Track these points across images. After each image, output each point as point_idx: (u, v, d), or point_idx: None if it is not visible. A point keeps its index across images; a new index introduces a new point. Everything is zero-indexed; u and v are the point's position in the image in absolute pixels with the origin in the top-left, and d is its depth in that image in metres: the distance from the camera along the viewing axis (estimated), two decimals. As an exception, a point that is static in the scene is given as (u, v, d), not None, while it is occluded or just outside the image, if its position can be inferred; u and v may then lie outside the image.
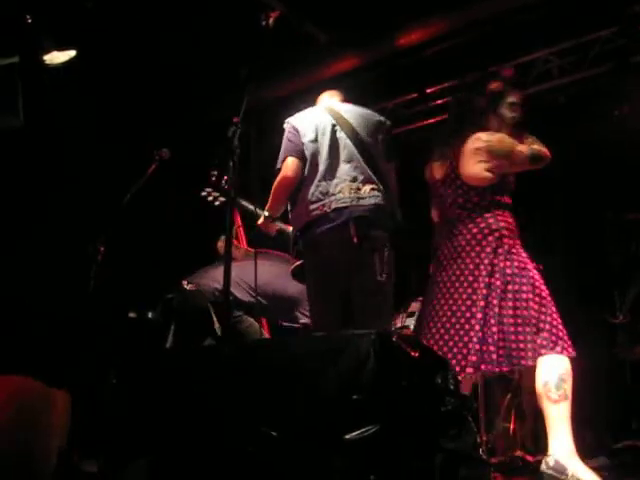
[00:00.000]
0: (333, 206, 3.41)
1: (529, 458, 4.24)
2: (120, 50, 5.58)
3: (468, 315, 3.24)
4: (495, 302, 3.22)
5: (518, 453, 4.40)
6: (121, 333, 4.81)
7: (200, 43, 5.61)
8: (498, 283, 3.25)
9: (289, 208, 3.68)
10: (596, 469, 3.09)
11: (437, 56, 5.90)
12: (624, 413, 4.85)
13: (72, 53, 5.34)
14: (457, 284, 3.31)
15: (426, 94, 6.46)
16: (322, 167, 3.51)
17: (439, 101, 6.45)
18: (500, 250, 3.31)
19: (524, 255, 3.39)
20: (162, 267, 5.77)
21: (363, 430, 1.90)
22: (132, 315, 4.81)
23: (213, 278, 4.46)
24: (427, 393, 2.08)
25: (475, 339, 3.17)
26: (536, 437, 4.51)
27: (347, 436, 1.90)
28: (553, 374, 3.13)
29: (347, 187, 3.44)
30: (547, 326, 3.18)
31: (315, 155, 3.55)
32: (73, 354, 4.21)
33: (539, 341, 3.15)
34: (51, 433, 2.69)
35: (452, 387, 2.14)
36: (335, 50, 5.88)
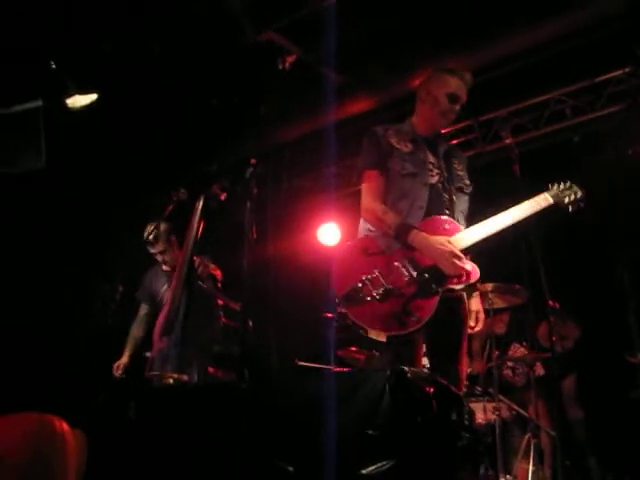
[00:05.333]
0: None
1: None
2: (141, 93, 5.71)
3: None
4: None
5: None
6: (139, 371, 4.84)
7: (219, 86, 5.73)
8: None
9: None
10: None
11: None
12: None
13: (93, 96, 5.50)
14: None
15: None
16: None
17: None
18: None
19: None
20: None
21: (379, 465, 1.90)
22: (148, 355, 4.83)
23: None
24: (442, 428, 2.09)
25: None
26: (555, 478, 4.45)
27: (363, 471, 1.91)
28: None
29: None
30: None
31: None
32: (90, 392, 4.22)
33: None
34: (67, 477, 2.64)
35: (467, 422, 2.14)
36: (349, 92, 5.97)
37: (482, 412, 4.76)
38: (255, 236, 2.99)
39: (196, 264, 4.43)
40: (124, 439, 2.66)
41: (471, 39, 5.52)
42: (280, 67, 3.36)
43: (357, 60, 5.57)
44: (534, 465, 4.52)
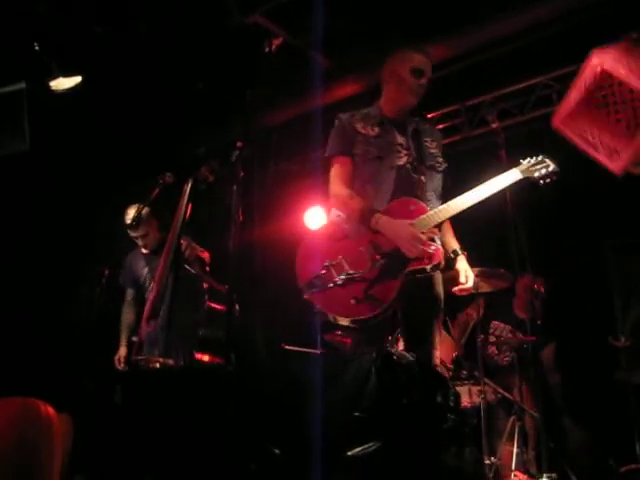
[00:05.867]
0: None
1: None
2: (126, 76, 5.66)
3: None
4: None
5: (521, 477, 4.39)
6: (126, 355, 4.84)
7: (205, 69, 5.70)
8: None
9: None
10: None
11: (438, 82, 5.95)
12: (628, 436, 4.84)
13: (77, 79, 5.44)
14: None
15: (426, 120, 6.52)
16: None
17: (439, 126, 6.51)
18: None
19: None
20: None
21: (365, 446, 1.92)
22: (135, 339, 4.83)
23: None
24: (428, 410, 2.10)
25: None
26: (539, 460, 4.50)
27: (349, 452, 1.92)
28: None
29: None
30: None
31: None
32: (75, 376, 4.22)
33: None
34: (53, 462, 2.62)
35: (452, 404, 2.16)
36: (337, 75, 5.95)
37: (467, 395, 4.80)
38: (242, 219, 2.98)
39: (183, 247, 4.41)
40: (110, 423, 2.66)
41: (459, 22, 5.51)
42: (266, 50, 3.32)
43: (344, 43, 5.55)
44: (518, 447, 4.57)
